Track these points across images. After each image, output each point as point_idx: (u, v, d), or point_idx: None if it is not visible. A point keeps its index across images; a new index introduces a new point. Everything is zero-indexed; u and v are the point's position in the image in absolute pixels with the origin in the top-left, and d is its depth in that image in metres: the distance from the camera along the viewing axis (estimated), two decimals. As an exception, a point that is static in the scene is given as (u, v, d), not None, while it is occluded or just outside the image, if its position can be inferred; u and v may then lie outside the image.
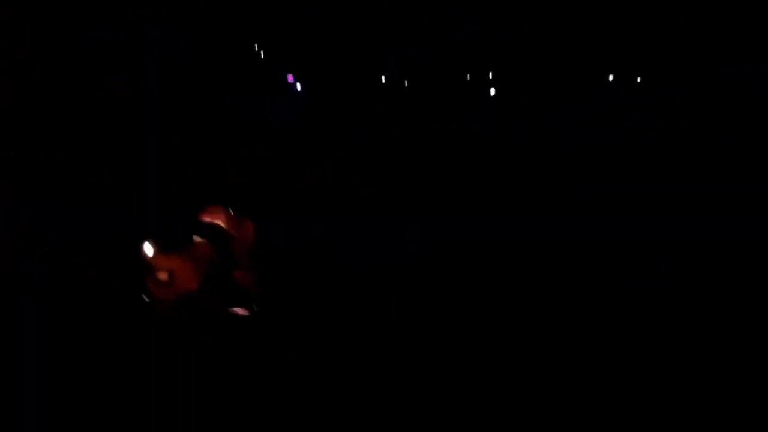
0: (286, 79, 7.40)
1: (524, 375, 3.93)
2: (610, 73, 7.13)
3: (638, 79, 6.97)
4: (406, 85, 7.47)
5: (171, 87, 6.55)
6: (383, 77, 7.56)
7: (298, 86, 7.11)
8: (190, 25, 6.90)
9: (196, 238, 5.44)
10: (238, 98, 6.99)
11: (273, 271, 5.30)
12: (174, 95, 6.57)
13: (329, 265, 5.54)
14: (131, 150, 5.98)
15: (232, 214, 5.63)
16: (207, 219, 5.59)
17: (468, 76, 7.48)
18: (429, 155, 6.79)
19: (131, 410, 2.86)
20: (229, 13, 7.16)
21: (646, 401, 3.61)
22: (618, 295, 4.97)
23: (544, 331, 4.51)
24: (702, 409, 3.56)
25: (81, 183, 5.24)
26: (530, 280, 5.41)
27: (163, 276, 4.99)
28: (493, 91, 6.89)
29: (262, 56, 7.37)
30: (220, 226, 5.60)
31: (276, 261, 5.50)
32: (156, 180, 5.72)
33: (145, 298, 4.26)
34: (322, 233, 5.99)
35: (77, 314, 3.06)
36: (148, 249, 4.81)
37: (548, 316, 4.76)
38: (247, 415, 3.09)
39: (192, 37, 6.85)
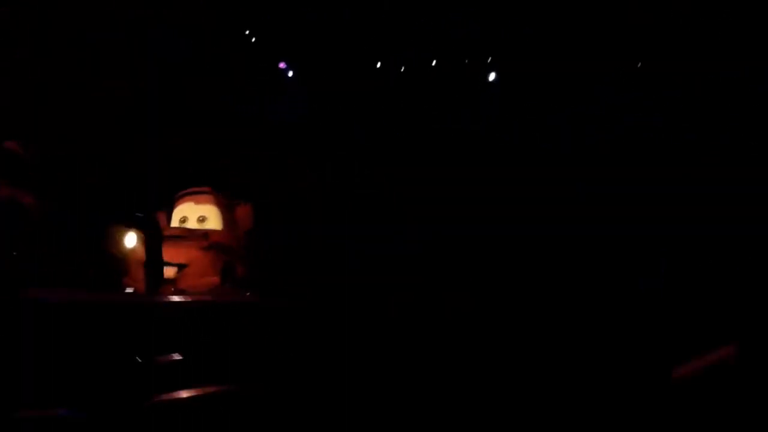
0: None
1: (524, 374, 3.93)
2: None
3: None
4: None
5: (171, 87, 6.54)
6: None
7: (290, 73, 7.06)
8: (190, 25, 6.89)
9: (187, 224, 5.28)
10: (238, 98, 6.98)
11: (273, 270, 5.28)
12: (174, 95, 6.56)
13: (329, 265, 5.52)
14: (131, 150, 5.96)
15: (227, 198, 5.50)
16: (198, 204, 5.42)
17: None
18: (429, 155, 6.78)
19: (131, 407, 2.86)
20: (229, 13, 7.15)
21: (645, 399, 3.61)
22: (618, 295, 4.96)
23: (543, 330, 4.50)
24: (701, 407, 3.56)
25: (81, 183, 5.23)
26: (530, 280, 5.40)
27: (168, 273, 4.84)
28: (492, 77, 6.87)
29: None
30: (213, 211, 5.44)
31: (276, 260, 5.48)
32: (156, 180, 5.70)
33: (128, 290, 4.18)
34: (322, 233, 5.98)
35: (76, 313, 3.06)
36: (131, 240, 4.64)
37: (548, 315, 4.75)
38: (247, 413, 3.09)
39: (192, 37, 6.84)
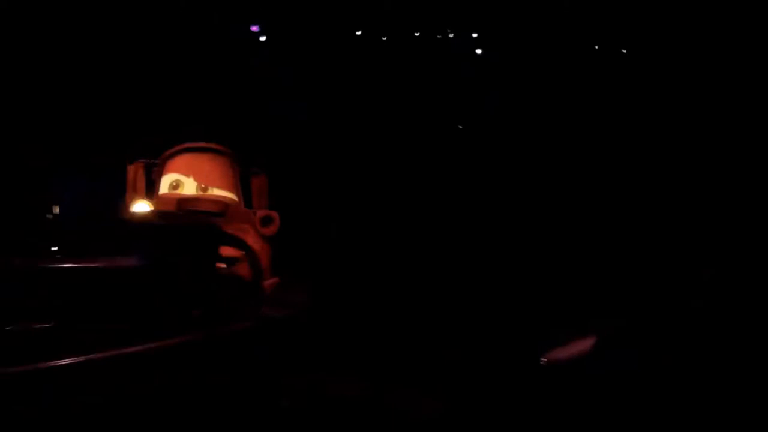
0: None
1: (523, 375, 3.93)
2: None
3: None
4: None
5: (171, 87, 6.54)
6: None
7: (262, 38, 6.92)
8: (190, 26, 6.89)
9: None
10: (238, 98, 6.98)
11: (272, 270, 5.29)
12: (174, 95, 6.56)
13: (329, 265, 5.53)
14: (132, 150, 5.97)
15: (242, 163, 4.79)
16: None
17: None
18: (429, 155, 6.79)
19: (134, 409, 2.87)
20: (230, 14, 7.16)
21: (645, 402, 3.61)
22: (618, 295, 4.97)
23: (543, 331, 4.50)
24: (703, 411, 3.56)
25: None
26: (530, 279, 5.41)
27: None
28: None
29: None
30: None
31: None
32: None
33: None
34: (321, 233, 5.98)
35: (75, 313, 3.06)
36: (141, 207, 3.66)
37: (548, 315, 4.76)
38: (249, 412, 3.10)
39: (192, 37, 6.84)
